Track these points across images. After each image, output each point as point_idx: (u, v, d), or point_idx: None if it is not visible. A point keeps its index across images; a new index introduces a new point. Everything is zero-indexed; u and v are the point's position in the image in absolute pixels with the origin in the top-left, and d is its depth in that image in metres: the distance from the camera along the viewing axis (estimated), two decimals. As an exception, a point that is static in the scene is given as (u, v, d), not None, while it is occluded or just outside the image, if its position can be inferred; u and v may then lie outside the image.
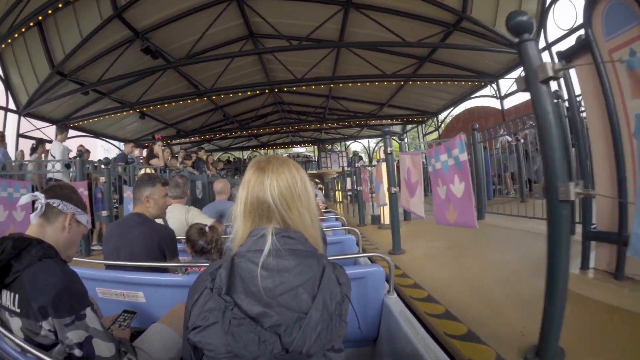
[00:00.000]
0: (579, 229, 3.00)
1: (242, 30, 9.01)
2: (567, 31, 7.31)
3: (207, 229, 2.12)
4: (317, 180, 16.91)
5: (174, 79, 10.08)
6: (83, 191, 3.54)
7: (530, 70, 1.05)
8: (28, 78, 8.10)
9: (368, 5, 7.50)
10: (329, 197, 13.09)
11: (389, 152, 2.76)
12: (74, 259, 1.20)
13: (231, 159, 19.52)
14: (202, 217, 2.79)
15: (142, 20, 7.56)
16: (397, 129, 16.79)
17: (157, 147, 5.62)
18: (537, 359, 1.17)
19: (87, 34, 7.16)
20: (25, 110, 8.58)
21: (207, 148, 18.04)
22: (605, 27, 1.78)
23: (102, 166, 4.21)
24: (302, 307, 0.70)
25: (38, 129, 9.14)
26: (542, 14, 7.47)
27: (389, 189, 2.77)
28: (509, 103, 9.84)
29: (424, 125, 15.27)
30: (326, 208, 7.55)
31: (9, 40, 6.91)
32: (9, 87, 8.22)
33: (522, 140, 5.37)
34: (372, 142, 20.18)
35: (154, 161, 5.56)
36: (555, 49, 7.66)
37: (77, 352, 0.92)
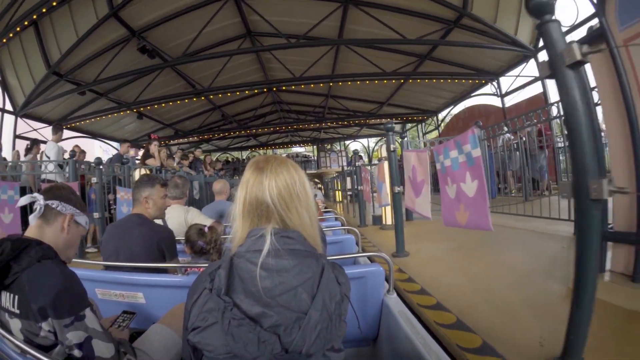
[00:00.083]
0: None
1: (240, 29, 8.92)
2: (568, 28, 7.26)
3: (206, 229, 2.12)
4: (316, 180, 16.85)
5: (171, 78, 10.01)
6: (75, 192, 3.42)
7: (555, 54, 0.94)
8: (24, 79, 8.04)
9: (367, 2, 7.42)
10: (329, 197, 13.00)
11: (392, 149, 2.64)
12: (73, 260, 1.20)
13: (230, 159, 19.44)
14: (201, 218, 2.79)
15: (138, 19, 7.48)
16: (397, 128, 16.71)
17: (153, 147, 5.50)
18: (561, 374, 1.06)
19: (83, 34, 7.08)
20: (22, 111, 8.51)
21: (206, 148, 17.99)
22: (620, 16, 1.69)
23: (94, 166, 4.08)
24: (301, 307, 0.70)
25: (35, 129, 9.07)
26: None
27: (392, 188, 2.65)
28: (510, 101, 9.78)
29: (423, 124, 15.21)
30: (325, 208, 7.47)
31: (5, 40, 6.83)
32: (5, 87, 8.17)
33: (524, 138, 5.28)
34: (372, 141, 20.13)
35: (149, 161, 5.44)
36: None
37: (77, 353, 0.92)
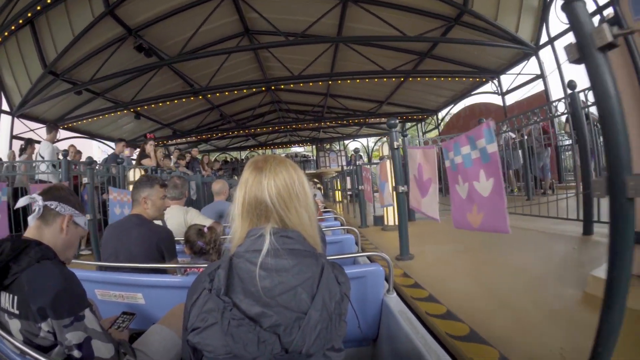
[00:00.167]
0: (597, 228, 2.85)
1: (238, 27, 8.82)
2: (570, 25, 7.16)
3: (205, 229, 2.12)
4: (315, 180, 16.77)
5: (169, 77, 9.91)
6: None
7: (583, 35, 0.85)
8: (21, 79, 7.97)
9: (367, -1, 7.33)
10: (328, 197, 12.91)
11: (395, 146, 2.53)
12: (73, 261, 1.20)
13: (228, 159, 19.36)
14: (200, 218, 2.81)
15: (134, 17, 7.39)
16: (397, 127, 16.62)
17: (149, 147, 5.39)
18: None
19: (79, 32, 6.99)
20: (18, 112, 8.45)
21: (205, 148, 17.92)
22: (634, 5, 1.60)
23: (85, 167, 3.96)
24: (301, 306, 0.69)
25: (32, 130, 9.00)
26: (545, 7, 7.32)
27: (395, 188, 2.54)
28: (511, 99, 9.70)
29: (423, 123, 15.12)
30: (325, 208, 7.38)
31: (0, 40, 6.75)
32: (2, 88, 8.10)
33: (526, 137, 5.20)
34: (371, 141, 20.04)
35: (145, 161, 5.34)
36: (557, 43, 7.56)
37: (76, 353, 0.92)
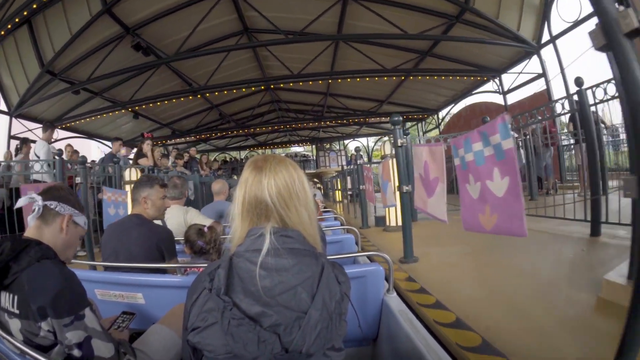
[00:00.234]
0: (605, 229, 2.77)
1: (237, 25, 8.74)
2: (571, 23, 7.10)
3: (205, 229, 2.13)
4: (315, 179, 16.71)
5: (167, 76, 9.83)
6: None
7: (609, 20, 0.77)
8: (19, 78, 7.92)
9: (367, -4, 7.25)
10: (328, 197, 12.83)
11: (399, 144, 2.44)
12: (72, 260, 1.20)
13: (228, 159, 19.28)
14: (200, 218, 2.81)
15: (132, 15, 7.31)
16: (397, 126, 16.55)
17: (146, 146, 5.30)
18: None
19: (77, 31, 6.93)
20: (16, 112, 8.40)
21: (204, 148, 17.83)
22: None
23: (78, 166, 3.87)
24: (301, 306, 0.69)
25: (30, 130, 8.93)
26: (546, 5, 7.25)
27: (399, 188, 2.46)
28: (512, 99, 9.63)
29: (424, 122, 15.05)
30: (325, 208, 7.31)
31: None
32: (0, 88, 8.04)
33: (529, 136, 5.13)
34: (371, 141, 19.97)
35: (142, 161, 5.25)
36: (559, 42, 7.48)
37: (77, 353, 0.92)
